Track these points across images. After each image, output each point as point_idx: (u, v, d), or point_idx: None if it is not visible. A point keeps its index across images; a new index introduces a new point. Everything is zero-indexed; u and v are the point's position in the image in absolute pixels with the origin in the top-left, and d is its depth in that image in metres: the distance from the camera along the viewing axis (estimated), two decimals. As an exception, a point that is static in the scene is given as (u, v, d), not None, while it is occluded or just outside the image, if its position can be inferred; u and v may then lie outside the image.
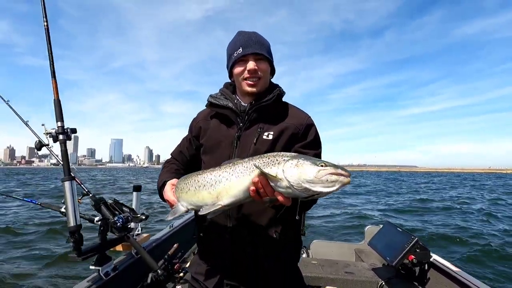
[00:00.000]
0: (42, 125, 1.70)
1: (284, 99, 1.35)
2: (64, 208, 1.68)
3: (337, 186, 0.89)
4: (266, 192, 0.93)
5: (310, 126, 1.29)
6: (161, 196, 1.27)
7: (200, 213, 1.01)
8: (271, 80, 1.36)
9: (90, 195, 1.98)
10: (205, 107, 1.40)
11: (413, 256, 2.39)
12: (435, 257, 2.57)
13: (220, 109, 1.30)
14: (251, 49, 1.22)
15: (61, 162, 1.71)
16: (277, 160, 0.97)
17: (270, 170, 0.94)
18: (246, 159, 1.01)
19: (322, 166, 0.91)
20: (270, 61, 1.28)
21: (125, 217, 1.83)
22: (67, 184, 1.64)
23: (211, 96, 1.35)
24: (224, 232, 1.26)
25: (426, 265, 2.52)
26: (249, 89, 1.25)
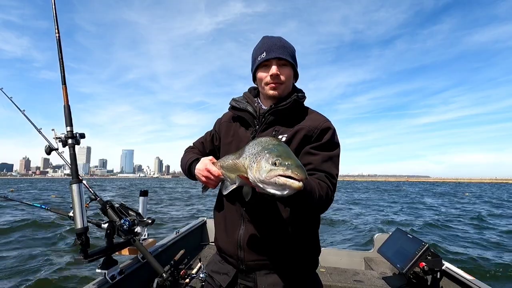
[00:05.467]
0: (52, 129, 1.74)
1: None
2: (72, 212, 1.70)
3: (287, 191, 0.79)
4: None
5: (326, 129, 1.23)
6: (190, 172, 1.32)
7: (224, 193, 1.12)
8: (295, 84, 1.36)
9: (98, 198, 2.00)
10: (228, 110, 1.44)
11: (424, 264, 2.32)
12: (447, 265, 2.49)
13: (239, 112, 1.34)
14: (274, 53, 1.22)
15: (70, 165, 1.74)
16: (250, 151, 0.94)
17: (244, 162, 0.92)
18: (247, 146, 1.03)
19: (275, 164, 0.81)
20: (293, 66, 1.28)
21: (131, 220, 1.83)
22: (75, 186, 1.66)
23: (233, 99, 1.39)
24: (235, 233, 1.25)
25: (439, 274, 2.44)
26: (271, 92, 1.26)
